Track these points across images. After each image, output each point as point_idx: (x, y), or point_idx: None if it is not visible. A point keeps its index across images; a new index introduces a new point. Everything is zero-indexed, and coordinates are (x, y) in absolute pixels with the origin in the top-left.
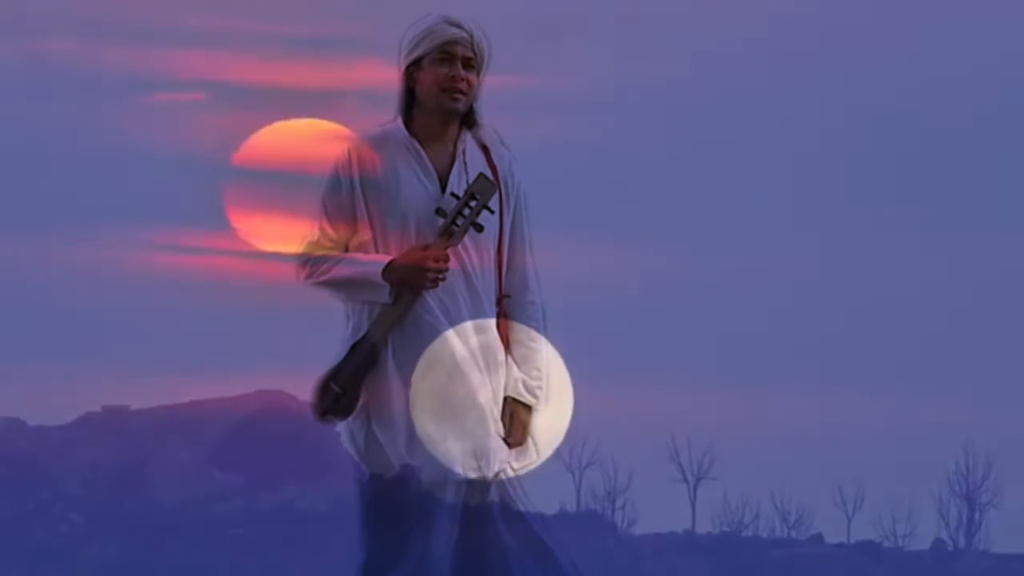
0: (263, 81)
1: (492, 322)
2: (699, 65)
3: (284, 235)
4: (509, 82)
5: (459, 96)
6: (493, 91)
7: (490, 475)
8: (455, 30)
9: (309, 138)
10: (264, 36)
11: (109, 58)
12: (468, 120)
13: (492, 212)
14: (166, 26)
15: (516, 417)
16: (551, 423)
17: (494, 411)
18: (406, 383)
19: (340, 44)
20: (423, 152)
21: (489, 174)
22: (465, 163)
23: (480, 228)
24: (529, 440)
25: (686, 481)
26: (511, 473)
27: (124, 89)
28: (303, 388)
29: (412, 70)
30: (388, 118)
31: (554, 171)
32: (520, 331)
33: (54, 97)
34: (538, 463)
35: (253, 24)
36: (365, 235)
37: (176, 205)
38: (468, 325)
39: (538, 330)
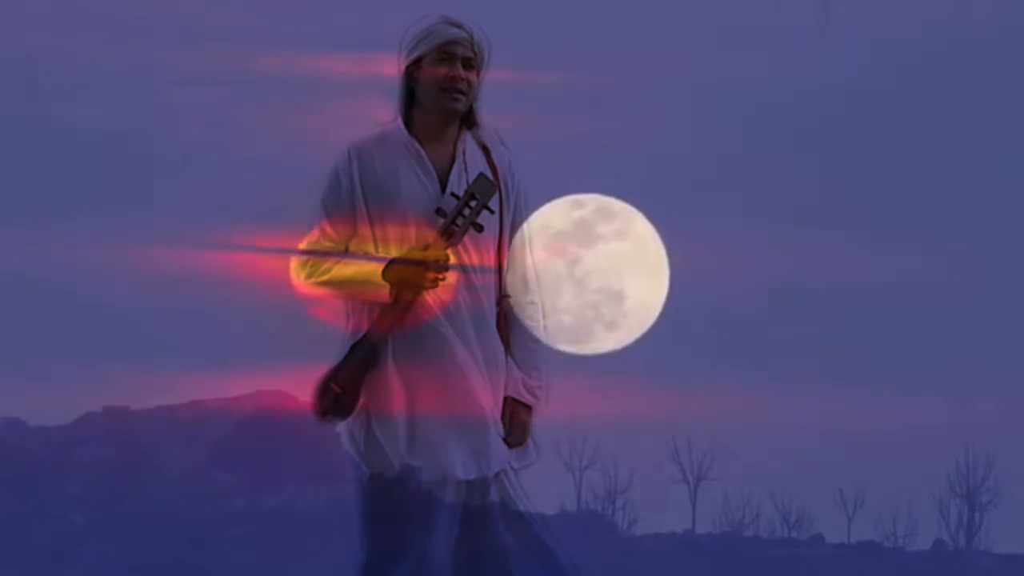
0: (282, 75)
1: (492, 322)
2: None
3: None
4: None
5: (459, 96)
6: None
7: (490, 475)
8: (455, 30)
9: None
10: (281, 30)
11: (126, 53)
12: (468, 120)
13: (492, 212)
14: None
15: (516, 417)
16: (646, 298)
17: (494, 411)
18: (406, 383)
19: (361, 38)
20: (423, 152)
21: (489, 174)
22: (465, 163)
23: (480, 228)
24: (529, 440)
25: (686, 481)
26: (511, 473)
27: (136, 83)
28: (303, 388)
29: (412, 70)
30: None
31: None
32: (520, 331)
33: (54, 92)
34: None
35: (269, 18)
36: (365, 235)
37: (175, 202)
38: (468, 325)
39: (538, 330)
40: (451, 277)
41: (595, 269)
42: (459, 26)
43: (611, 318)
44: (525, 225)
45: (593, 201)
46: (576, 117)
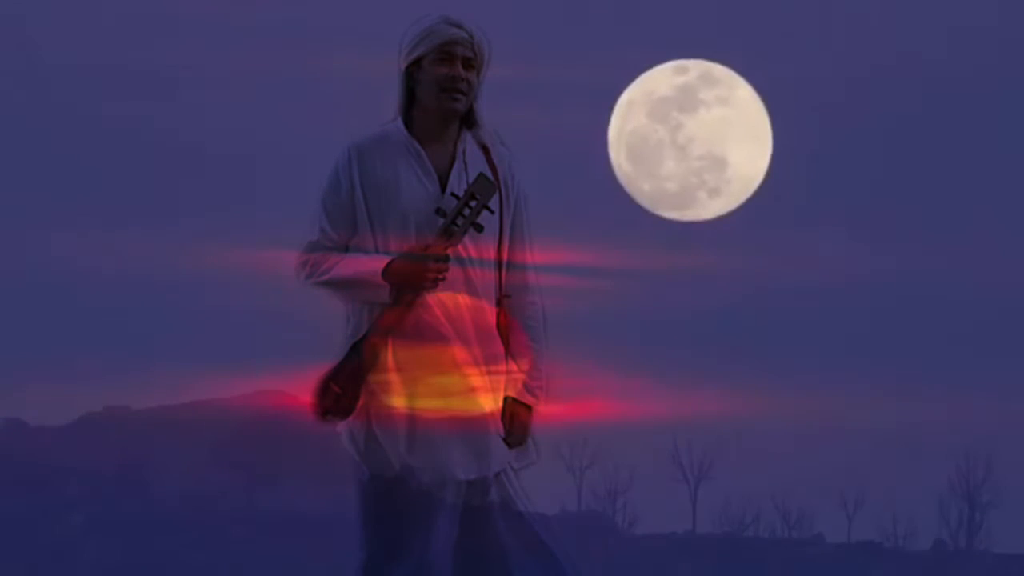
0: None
1: (492, 322)
2: None
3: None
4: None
5: (459, 96)
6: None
7: (490, 475)
8: (455, 30)
9: None
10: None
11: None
12: (468, 120)
13: (492, 212)
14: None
15: (516, 417)
16: (745, 169)
17: (494, 411)
18: (406, 383)
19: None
20: (423, 152)
21: (489, 174)
22: (465, 163)
23: (480, 228)
24: (529, 440)
25: (686, 481)
26: (511, 473)
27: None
28: (303, 388)
29: (412, 70)
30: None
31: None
32: (520, 331)
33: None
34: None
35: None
36: (365, 235)
37: (176, 203)
38: (468, 325)
39: (538, 330)
40: (451, 277)
41: (698, 136)
42: (459, 26)
43: (714, 185)
44: (525, 224)
45: (696, 67)
46: None
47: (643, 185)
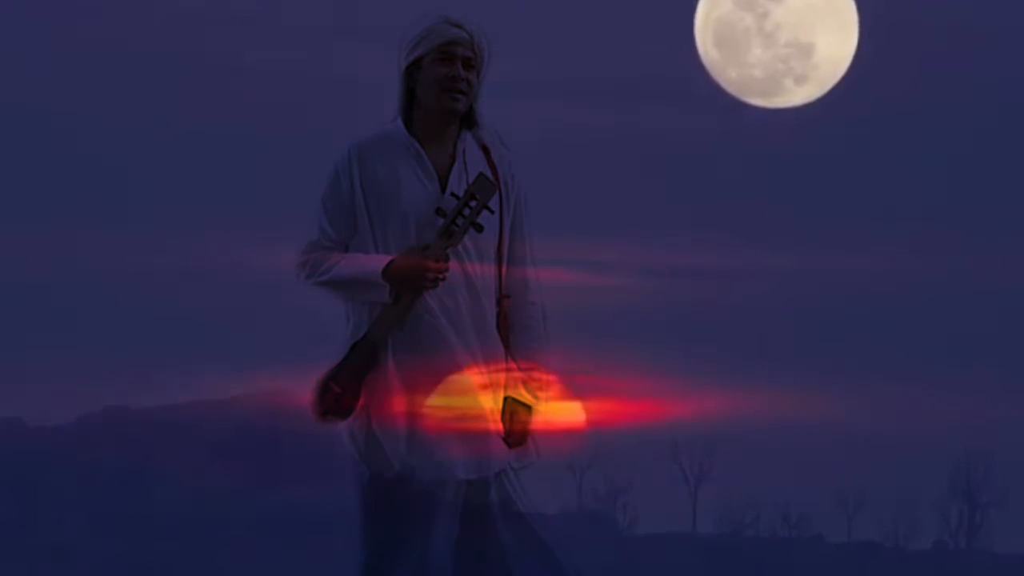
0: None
1: (492, 322)
2: None
3: None
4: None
5: (459, 96)
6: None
7: (490, 475)
8: (455, 30)
9: None
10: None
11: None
12: (468, 120)
13: (492, 212)
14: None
15: (516, 417)
16: (836, 51)
17: (494, 412)
18: (406, 383)
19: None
20: (423, 152)
21: (489, 174)
22: (465, 163)
23: (480, 228)
24: (529, 440)
25: (687, 481)
26: (511, 473)
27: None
28: (303, 388)
29: (412, 70)
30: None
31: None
32: (520, 332)
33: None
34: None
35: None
36: (365, 235)
37: (175, 201)
38: (468, 325)
39: (538, 330)
40: (451, 277)
41: (785, 22)
42: (459, 26)
43: (801, 71)
44: (525, 224)
45: None
46: None
47: (730, 72)
